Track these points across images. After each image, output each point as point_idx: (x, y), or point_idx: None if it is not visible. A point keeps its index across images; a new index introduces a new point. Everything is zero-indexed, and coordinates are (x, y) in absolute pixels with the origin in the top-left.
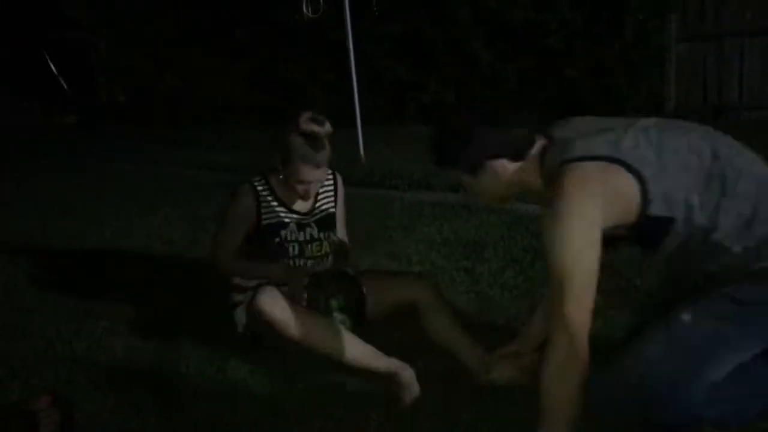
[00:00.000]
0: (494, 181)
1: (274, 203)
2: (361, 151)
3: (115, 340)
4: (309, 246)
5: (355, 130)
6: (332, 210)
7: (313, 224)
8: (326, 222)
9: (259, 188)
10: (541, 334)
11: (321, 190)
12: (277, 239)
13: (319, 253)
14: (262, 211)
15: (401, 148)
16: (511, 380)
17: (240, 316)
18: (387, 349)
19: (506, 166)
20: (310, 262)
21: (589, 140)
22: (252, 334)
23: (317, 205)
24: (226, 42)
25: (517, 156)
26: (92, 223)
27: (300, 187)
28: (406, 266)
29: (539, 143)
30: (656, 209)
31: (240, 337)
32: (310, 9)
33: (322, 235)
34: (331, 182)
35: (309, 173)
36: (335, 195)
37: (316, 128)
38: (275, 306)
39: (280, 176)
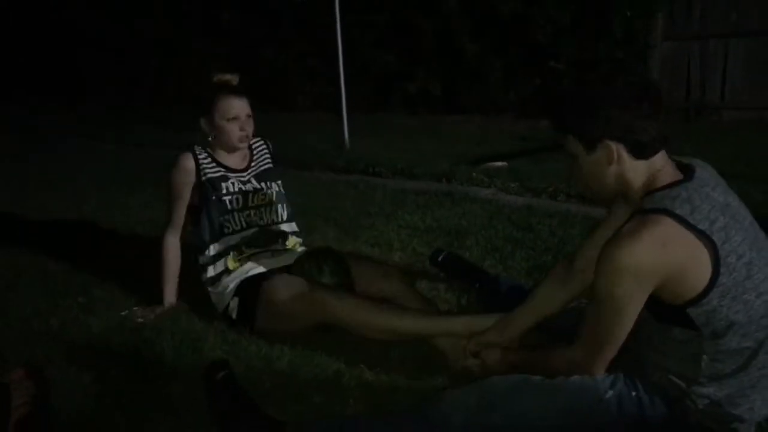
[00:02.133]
0: (602, 165)
1: (212, 164)
2: (346, 138)
3: (92, 317)
4: (251, 196)
5: (341, 118)
6: (269, 166)
7: (252, 179)
8: (264, 175)
9: (198, 152)
10: (522, 324)
11: (255, 150)
12: (215, 195)
13: (262, 202)
14: (201, 169)
15: (386, 136)
16: (485, 368)
17: (225, 299)
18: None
19: (621, 155)
20: (253, 212)
21: (701, 211)
22: (243, 320)
23: (253, 162)
24: (212, 24)
25: (635, 152)
26: (72, 200)
27: (235, 128)
28: (387, 253)
29: (662, 157)
30: (695, 314)
31: (220, 317)
32: None
33: (263, 185)
34: (264, 145)
35: (235, 105)
36: (270, 155)
37: (225, 76)
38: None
39: (210, 138)
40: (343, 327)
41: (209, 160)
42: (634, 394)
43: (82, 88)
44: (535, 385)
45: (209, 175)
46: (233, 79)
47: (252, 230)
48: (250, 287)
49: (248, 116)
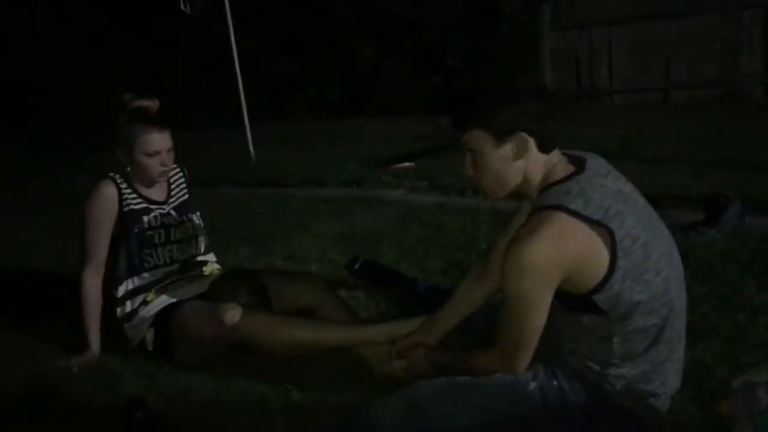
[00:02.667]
0: (508, 160)
1: (133, 195)
2: (251, 150)
3: None
4: (173, 230)
5: (243, 130)
6: (186, 197)
7: (171, 211)
8: (184, 207)
9: (118, 181)
10: (446, 324)
11: (172, 180)
12: (138, 228)
13: (184, 236)
14: (124, 199)
15: (291, 144)
16: (409, 371)
17: (140, 332)
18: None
19: (531, 148)
20: (176, 247)
21: (594, 201)
22: (160, 351)
23: (172, 193)
24: (104, 44)
25: (542, 146)
26: None
27: (155, 163)
28: (303, 265)
29: (557, 153)
30: (600, 300)
31: (135, 350)
32: (188, 6)
33: (184, 218)
34: (180, 174)
35: (157, 140)
36: (187, 185)
37: (144, 103)
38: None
39: (128, 168)
40: (258, 346)
41: (130, 190)
42: (555, 383)
43: None
44: (460, 385)
45: (132, 206)
46: (153, 106)
47: (174, 266)
48: (164, 317)
49: (169, 150)
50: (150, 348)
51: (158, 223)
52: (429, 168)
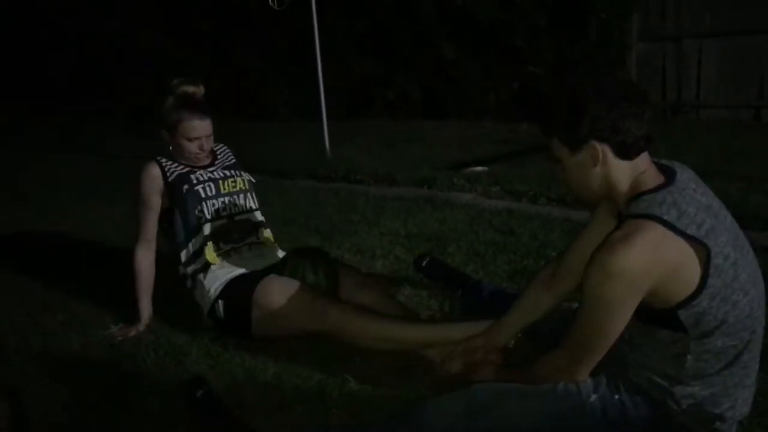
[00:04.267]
0: (587, 167)
1: (176, 164)
2: (327, 146)
3: (72, 332)
4: (221, 183)
5: (321, 125)
6: (234, 160)
7: (219, 170)
8: (231, 166)
9: (162, 160)
10: (510, 330)
11: (218, 151)
12: (187, 186)
13: (234, 188)
14: (167, 171)
15: (366, 143)
16: (469, 373)
17: (208, 300)
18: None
19: (607, 156)
20: (227, 199)
21: (688, 215)
22: (230, 328)
23: (217, 160)
24: (191, 33)
25: (620, 152)
26: (48, 213)
27: (194, 147)
28: (369, 260)
29: (645, 159)
30: (685, 316)
31: (205, 324)
32: (275, 1)
33: (231, 172)
34: (224, 147)
35: (198, 126)
36: (233, 155)
37: (190, 88)
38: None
39: (170, 147)
40: (341, 335)
41: (174, 163)
42: (617, 397)
43: (54, 94)
44: (520, 391)
45: (176, 173)
46: (198, 91)
47: (222, 221)
48: (237, 289)
49: (208, 136)
50: (222, 316)
51: (206, 178)
52: (503, 173)
